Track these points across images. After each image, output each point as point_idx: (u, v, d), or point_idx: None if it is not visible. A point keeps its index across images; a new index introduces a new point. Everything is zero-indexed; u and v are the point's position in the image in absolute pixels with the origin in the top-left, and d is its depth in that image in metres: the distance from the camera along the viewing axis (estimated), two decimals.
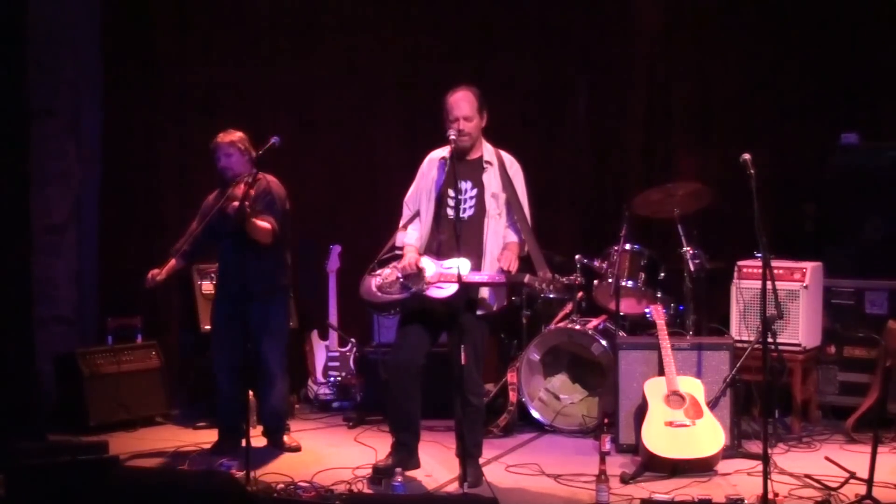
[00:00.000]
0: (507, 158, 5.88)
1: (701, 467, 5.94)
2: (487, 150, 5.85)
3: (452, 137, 5.67)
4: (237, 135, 6.42)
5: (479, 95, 5.78)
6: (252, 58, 8.03)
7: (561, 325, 7.14)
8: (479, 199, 5.76)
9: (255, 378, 6.49)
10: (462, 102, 5.72)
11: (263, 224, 6.24)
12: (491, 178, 5.79)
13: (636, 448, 6.23)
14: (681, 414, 6.08)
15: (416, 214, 5.91)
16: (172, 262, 6.54)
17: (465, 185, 5.75)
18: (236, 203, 6.10)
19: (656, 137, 8.00)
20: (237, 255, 6.21)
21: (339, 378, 7.59)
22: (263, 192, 6.30)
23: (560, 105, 8.15)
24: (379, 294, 5.83)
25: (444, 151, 5.86)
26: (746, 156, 5.45)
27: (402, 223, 5.95)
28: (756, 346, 6.30)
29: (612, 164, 8.10)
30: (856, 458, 5.97)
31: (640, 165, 8.01)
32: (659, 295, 7.05)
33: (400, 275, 5.79)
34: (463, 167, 5.73)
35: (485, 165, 5.81)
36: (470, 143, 5.76)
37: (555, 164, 8.07)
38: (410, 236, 5.89)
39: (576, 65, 8.12)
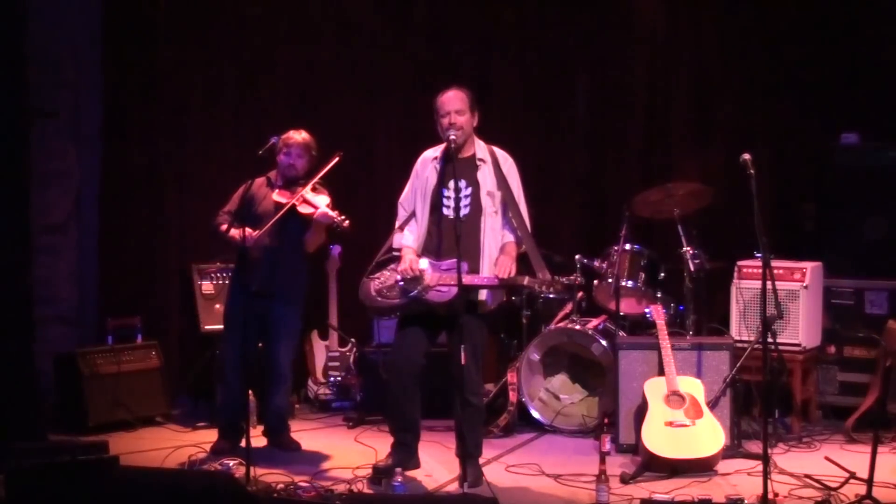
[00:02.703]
0: (501, 155, 5.87)
1: (701, 467, 5.94)
2: (480, 148, 5.85)
3: (452, 138, 5.67)
4: (310, 137, 6.47)
5: (470, 95, 5.79)
6: (251, 58, 8.02)
7: (561, 325, 7.13)
8: (475, 197, 5.76)
9: (258, 377, 6.50)
10: (453, 98, 5.74)
11: (323, 234, 6.41)
12: (486, 176, 5.79)
13: (636, 448, 6.23)
14: (681, 414, 6.08)
15: (412, 215, 5.90)
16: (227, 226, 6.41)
17: (460, 184, 5.74)
18: (327, 210, 6.18)
19: (656, 137, 8.00)
20: (270, 252, 6.26)
21: (339, 378, 7.59)
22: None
23: (560, 105, 8.15)
24: (379, 299, 5.83)
25: (436, 151, 5.87)
26: (746, 156, 5.45)
27: (398, 224, 5.94)
28: (756, 346, 6.30)
29: (612, 164, 8.10)
30: (856, 458, 5.97)
31: (640, 165, 8.01)
32: (659, 295, 7.05)
33: (399, 278, 5.78)
34: (457, 165, 5.72)
35: (478, 163, 5.80)
36: (462, 137, 5.75)
37: (555, 164, 8.07)
38: (407, 238, 5.87)
39: (576, 64, 8.11)
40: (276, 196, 6.39)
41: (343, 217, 6.22)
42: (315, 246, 6.46)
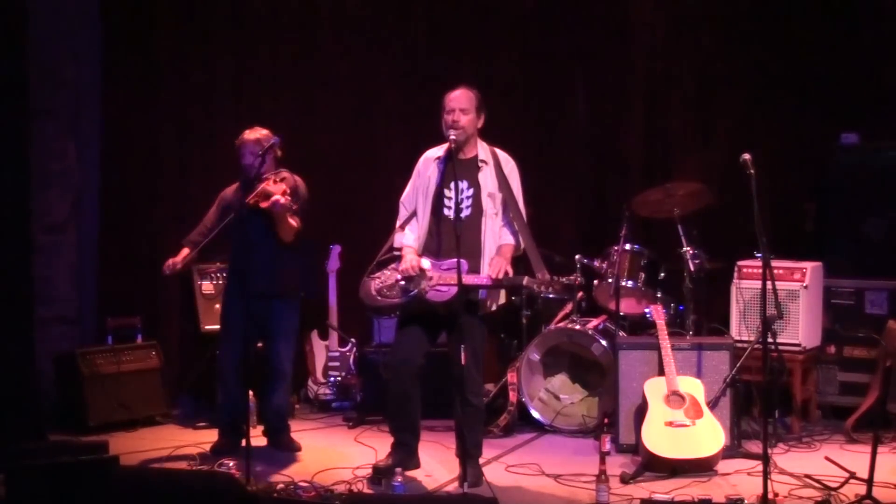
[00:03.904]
0: (503, 156, 5.88)
1: (701, 467, 5.95)
2: (483, 149, 5.85)
3: (452, 137, 5.67)
4: (263, 132, 6.43)
5: (478, 96, 5.80)
6: (252, 58, 8.03)
7: (561, 325, 7.13)
8: (476, 198, 5.76)
9: (258, 377, 6.50)
10: (460, 97, 5.75)
11: (293, 222, 6.30)
12: (487, 178, 5.79)
13: (636, 448, 6.23)
14: (681, 414, 6.08)
15: (413, 214, 5.91)
16: (187, 251, 6.54)
17: (462, 185, 5.74)
18: (277, 198, 6.12)
19: (656, 137, 7.99)
20: (259, 252, 6.25)
21: (339, 378, 7.59)
22: (292, 190, 6.34)
23: (560, 105, 8.15)
24: (379, 298, 5.83)
25: (439, 151, 5.87)
26: (746, 156, 5.45)
27: (398, 223, 5.95)
28: (756, 346, 6.30)
29: (612, 164, 8.10)
30: (856, 458, 5.97)
31: (640, 165, 8.00)
32: (659, 295, 7.05)
33: (400, 277, 5.79)
34: (458, 166, 5.72)
35: (480, 164, 5.80)
36: (463, 136, 5.75)
37: (555, 164, 8.07)
38: (408, 237, 5.88)
39: (575, 65, 8.11)
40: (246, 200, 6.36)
41: (288, 199, 6.18)
42: (288, 235, 6.34)
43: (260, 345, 6.53)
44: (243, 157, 6.40)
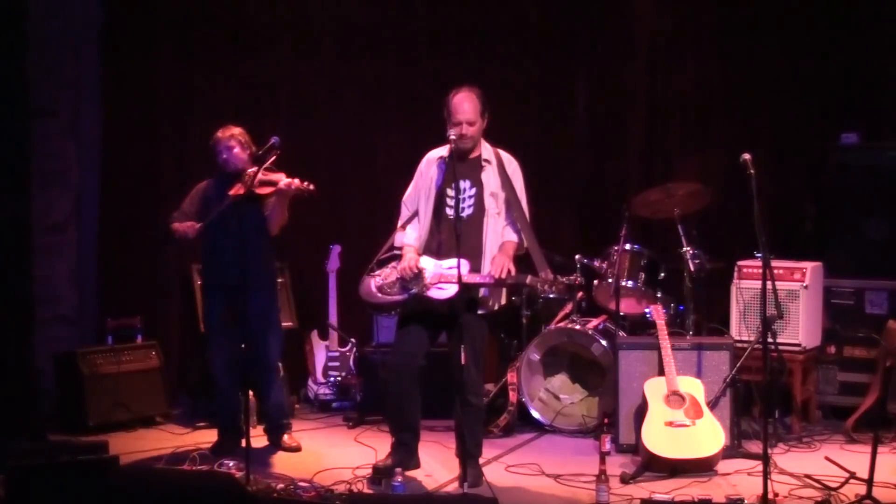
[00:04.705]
0: (506, 157, 5.88)
1: (701, 467, 5.95)
2: (486, 149, 5.86)
3: (452, 138, 5.68)
4: (236, 129, 6.46)
5: (482, 97, 5.78)
6: (251, 59, 8.02)
7: (561, 325, 7.14)
8: (478, 198, 5.76)
9: (254, 375, 6.48)
10: (466, 105, 5.71)
11: (286, 213, 6.32)
12: (490, 177, 5.79)
13: (636, 448, 6.23)
14: (681, 414, 6.08)
15: (415, 214, 5.91)
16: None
17: (464, 185, 5.75)
18: (292, 180, 6.11)
19: (656, 137, 8.00)
20: (235, 246, 6.20)
21: (339, 378, 7.58)
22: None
23: (560, 104, 8.15)
24: (379, 295, 5.83)
25: (442, 151, 5.86)
26: (746, 156, 5.45)
27: (400, 223, 5.95)
28: (756, 346, 6.30)
29: (612, 164, 8.10)
30: (856, 458, 5.98)
31: (640, 165, 8.01)
32: (659, 295, 7.05)
33: (400, 276, 5.79)
34: (461, 166, 5.73)
35: (483, 164, 5.81)
36: (471, 145, 5.77)
37: (555, 164, 8.07)
38: (409, 236, 5.89)
39: (576, 64, 8.12)
40: (232, 192, 6.32)
41: (307, 182, 6.18)
42: (278, 225, 6.33)
43: (244, 346, 6.43)
44: (219, 154, 6.43)
